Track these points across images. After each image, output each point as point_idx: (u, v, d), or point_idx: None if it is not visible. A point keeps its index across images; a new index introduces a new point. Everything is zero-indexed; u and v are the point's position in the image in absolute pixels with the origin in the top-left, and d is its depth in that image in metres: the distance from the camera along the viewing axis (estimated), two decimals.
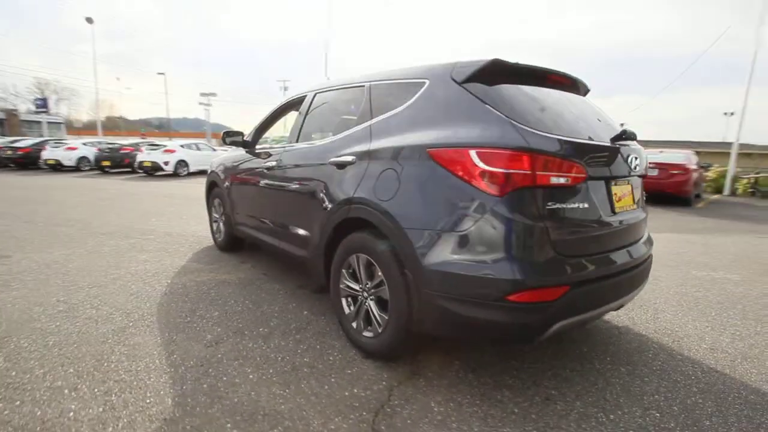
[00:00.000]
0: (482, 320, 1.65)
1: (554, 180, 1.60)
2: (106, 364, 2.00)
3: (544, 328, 1.61)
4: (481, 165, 1.60)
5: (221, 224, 4.14)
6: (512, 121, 1.63)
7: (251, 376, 1.94)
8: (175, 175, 14.13)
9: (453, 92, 1.84)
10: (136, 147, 15.19)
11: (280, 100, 3.50)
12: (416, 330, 1.84)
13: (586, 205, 1.71)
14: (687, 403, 1.84)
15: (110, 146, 15.81)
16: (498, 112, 1.67)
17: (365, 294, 2.15)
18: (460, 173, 1.65)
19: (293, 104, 3.30)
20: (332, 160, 2.33)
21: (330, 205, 2.30)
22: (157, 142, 15.56)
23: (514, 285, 1.56)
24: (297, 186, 2.67)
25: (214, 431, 1.56)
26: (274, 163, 2.96)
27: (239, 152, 3.75)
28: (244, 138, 3.54)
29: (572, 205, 1.67)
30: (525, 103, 1.74)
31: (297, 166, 2.72)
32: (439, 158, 1.72)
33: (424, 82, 2.00)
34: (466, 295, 1.65)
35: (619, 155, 1.88)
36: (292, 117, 3.52)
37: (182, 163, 14.37)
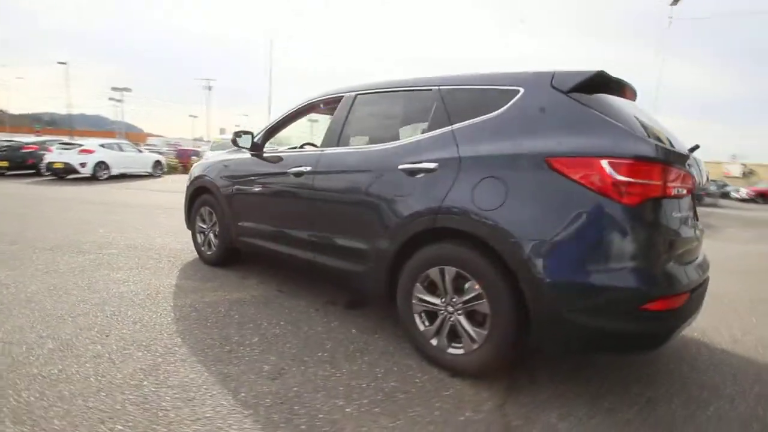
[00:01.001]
0: (611, 331, 1.65)
1: (676, 190, 1.66)
2: (162, 415, 1.61)
3: (669, 336, 1.66)
4: (614, 175, 1.60)
5: (212, 236, 3.66)
6: (635, 133, 1.66)
7: (348, 410, 1.71)
8: (93, 178, 12.31)
9: (559, 101, 1.83)
10: (43, 146, 12.96)
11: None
12: (532, 345, 1.78)
13: (689, 215, 1.80)
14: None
15: (8, 144, 13.23)
16: (618, 123, 1.69)
17: (450, 309, 2.03)
18: (589, 183, 1.63)
19: (316, 106, 3.06)
20: (404, 167, 2.17)
21: (403, 215, 2.14)
22: (71, 141, 13.45)
23: (649, 294, 1.58)
24: (347, 194, 2.45)
25: None
26: (307, 169, 2.68)
27: (239, 155, 3.37)
28: (254, 140, 3.18)
29: (683, 215, 1.75)
30: (631, 115, 1.79)
31: (345, 172, 2.49)
32: (561, 167, 1.69)
33: (518, 90, 1.96)
34: (596, 306, 1.63)
35: (696, 167, 2.03)
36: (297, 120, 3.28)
37: (102, 165, 12.58)
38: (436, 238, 2.06)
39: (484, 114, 2.03)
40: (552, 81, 1.88)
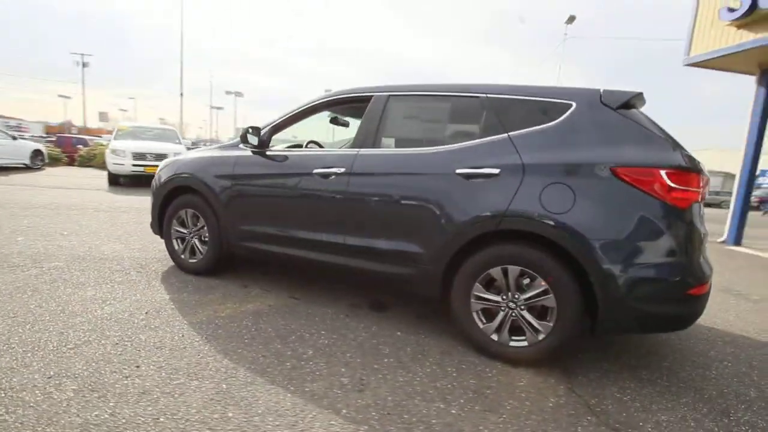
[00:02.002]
0: (662, 313, 1.97)
1: (704, 194, 2.04)
2: None
3: (698, 315, 2.03)
4: (670, 183, 1.90)
5: (196, 241, 3.27)
6: (675, 145, 1.99)
7: (453, 411, 1.75)
8: None
9: (609, 116, 2.09)
10: None
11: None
12: (601, 330, 2.01)
13: (703, 215, 2.21)
14: None
15: None
16: (664, 137, 2.01)
17: (511, 305, 2.18)
18: (650, 189, 1.91)
19: (333, 104, 2.93)
20: (463, 171, 2.24)
21: (462, 218, 2.22)
22: None
23: (695, 281, 1.92)
24: (395, 197, 2.42)
25: None
26: (340, 170, 2.58)
27: (237, 153, 3.07)
28: (261, 137, 2.93)
29: (702, 215, 2.14)
30: (661, 128, 2.12)
31: (391, 174, 2.46)
32: (625, 176, 1.94)
33: (571, 104, 2.17)
34: (654, 294, 1.93)
35: None
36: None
37: None
38: (497, 240, 2.19)
39: (539, 124, 2.21)
40: (601, 98, 2.14)
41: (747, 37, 5.34)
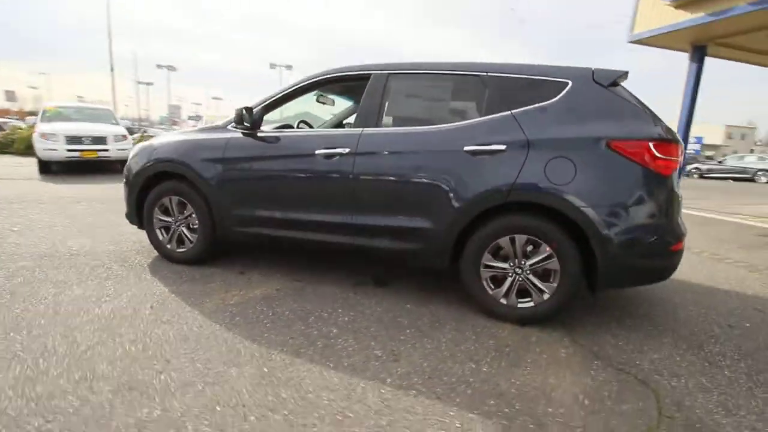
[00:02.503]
0: (652, 268, 2.25)
1: (681, 162, 2.32)
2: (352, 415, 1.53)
3: (677, 267, 2.34)
4: (657, 154, 2.14)
5: (184, 230, 3.12)
6: (656, 119, 2.23)
7: (485, 369, 1.92)
8: None
9: (603, 93, 2.28)
10: None
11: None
12: (600, 287, 2.26)
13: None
14: None
15: None
16: (647, 112, 2.24)
17: (518, 270, 2.37)
18: (641, 160, 2.14)
19: (326, 82, 2.87)
20: (470, 148, 2.35)
21: (471, 193, 2.34)
22: None
23: (675, 238, 2.22)
24: (403, 176, 2.48)
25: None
26: (344, 150, 2.57)
27: (226, 135, 2.93)
28: (252, 117, 2.81)
29: (679, 180, 2.43)
30: (642, 102, 2.36)
31: (399, 153, 2.50)
32: (620, 149, 2.15)
33: (567, 83, 2.33)
34: (646, 251, 2.20)
35: None
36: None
37: None
38: (504, 211, 2.35)
39: (539, 102, 2.35)
40: (593, 76, 2.32)
41: (684, 17, 5.91)
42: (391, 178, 2.53)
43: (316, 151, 2.64)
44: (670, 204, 2.24)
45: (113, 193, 6.16)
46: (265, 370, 1.82)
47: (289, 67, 35.92)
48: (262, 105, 2.89)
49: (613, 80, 2.30)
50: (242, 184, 2.88)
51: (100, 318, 2.24)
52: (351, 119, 4.13)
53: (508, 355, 2.06)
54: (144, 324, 2.19)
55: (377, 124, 2.61)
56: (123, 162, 9.82)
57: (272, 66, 35.46)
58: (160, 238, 3.20)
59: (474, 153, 2.36)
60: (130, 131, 11.26)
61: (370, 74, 2.69)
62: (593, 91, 2.31)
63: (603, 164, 2.19)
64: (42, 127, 8.56)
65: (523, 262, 2.36)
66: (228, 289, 2.72)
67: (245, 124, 2.78)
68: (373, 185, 2.57)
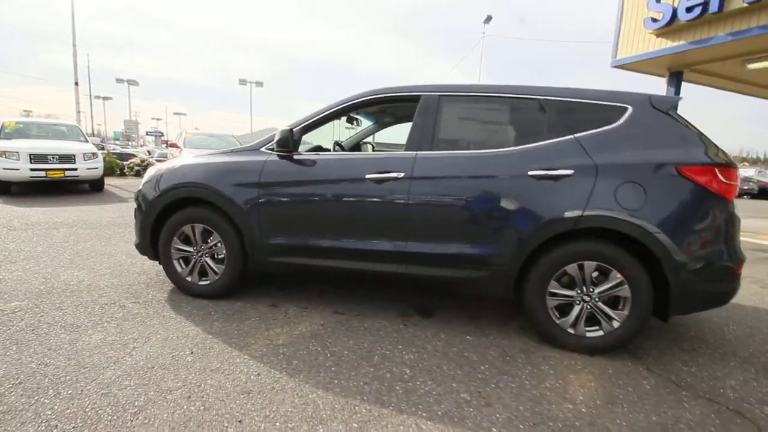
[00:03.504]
0: (719, 291, 2.25)
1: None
2: None
3: (737, 290, 2.36)
4: (722, 178, 2.16)
5: (209, 260, 2.83)
6: (715, 145, 2.27)
7: (584, 410, 1.80)
8: None
9: (662, 119, 2.30)
10: None
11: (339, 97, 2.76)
12: (672, 313, 2.22)
13: None
14: None
15: None
16: (704, 138, 2.27)
17: (586, 298, 2.30)
18: (708, 185, 2.15)
19: (369, 104, 2.74)
20: (536, 172, 2.28)
21: (538, 219, 2.27)
22: None
23: (739, 261, 2.24)
24: (464, 201, 2.37)
25: None
26: (399, 175, 2.44)
27: (261, 158, 2.72)
28: (293, 138, 2.63)
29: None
30: (698, 129, 2.40)
31: (459, 177, 2.39)
32: (689, 174, 2.15)
33: (626, 107, 2.34)
34: (715, 275, 2.19)
35: None
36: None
37: None
38: (572, 237, 2.29)
39: (600, 126, 2.34)
40: (651, 102, 2.34)
41: (665, 45, 6.32)
42: (451, 203, 2.41)
43: (367, 176, 2.49)
44: (733, 228, 2.26)
45: (90, 216, 5.63)
46: (356, 426, 1.61)
47: (259, 84, 35.37)
48: (302, 126, 2.71)
49: (670, 106, 2.33)
50: (282, 210, 2.66)
51: (137, 370, 1.93)
52: (370, 139, 4.04)
53: (597, 392, 1.96)
54: (191, 374, 1.91)
55: (431, 147, 2.50)
56: (93, 182, 9.28)
57: (242, 82, 34.82)
58: (179, 269, 2.89)
59: (539, 177, 2.30)
60: (100, 148, 10.52)
61: (420, 96, 2.60)
62: (653, 116, 2.32)
63: (673, 189, 2.19)
64: (1, 144, 7.79)
65: (591, 290, 2.30)
66: (268, 327, 2.47)
67: (287, 147, 2.58)
68: (431, 211, 2.44)
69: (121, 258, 3.76)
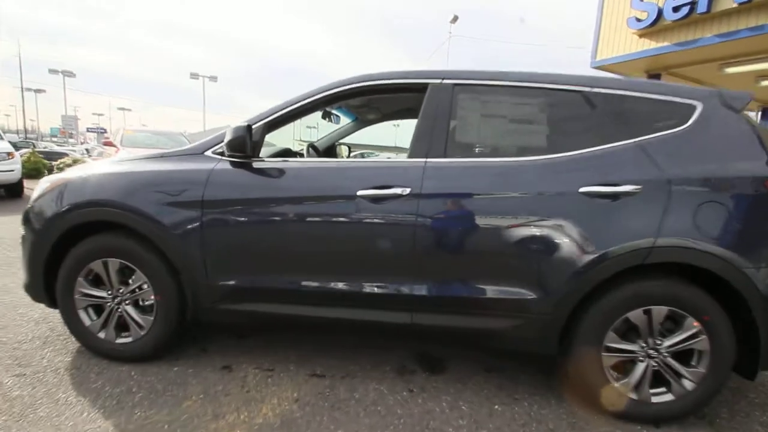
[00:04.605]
0: None
1: None
2: None
3: None
4: None
5: (129, 309, 2.01)
6: None
7: None
8: None
9: (736, 121, 1.78)
10: None
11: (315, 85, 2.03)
12: (761, 368, 1.71)
13: None
14: None
15: None
16: None
17: (651, 353, 1.75)
18: None
19: (356, 93, 2.04)
20: (589, 189, 1.69)
21: (594, 251, 1.68)
22: None
23: None
24: (496, 226, 1.74)
25: None
26: (404, 191, 1.76)
27: (204, 165, 1.95)
28: (251, 139, 1.88)
29: None
30: None
31: (483, 195, 1.76)
32: None
33: (694, 105, 1.80)
34: None
35: None
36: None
37: None
38: (636, 275, 1.73)
39: (666, 128, 1.79)
40: (722, 99, 1.83)
41: (649, 45, 6.12)
42: (475, 229, 1.78)
43: (359, 192, 1.79)
44: None
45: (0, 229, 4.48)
46: None
47: (213, 78, 33.21)
48: (264, 122, 1.97)
49: (744, 104, 1.84)
50: (236, 239, 1.90)
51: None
52: (352, 139, 3.34)
53: None
54: None
55: (445, 153, 1.85)
56: (9, 186, 7.80)
57: (193, 76, 32.49)
58: (87, 322, 2.04)
59: (593, 195, 1.71)
60: (15, 147, 8.96)
61: (427, 84, 1.93)
62: (726, 116, 1.80)
63: (763, 211, 1.69)
64: None
65: (659, 342, 1.75)
66: (218, 412, 1.70)
67: (243, 150, 1.83)
68: (448, 240, 1.79)
69: (20, 295, 2.80)
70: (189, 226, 1.88)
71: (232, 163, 1.94)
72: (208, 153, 1.98)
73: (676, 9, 5.56)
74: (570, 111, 1.88)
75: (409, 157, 1.88)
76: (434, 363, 2.21)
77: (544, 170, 1.77)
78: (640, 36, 6.21)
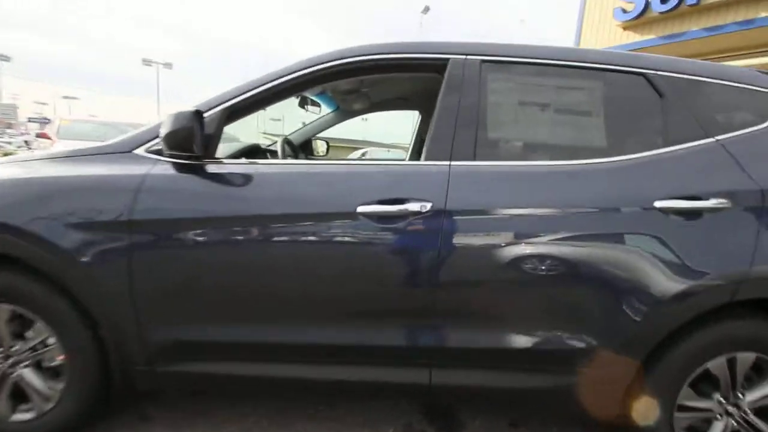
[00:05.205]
0: None
1: None
2: None
3: None
4: None
5: (29, 374, 1.41)
6: None
7: None
8: None
9: None
10: None
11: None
12: None
13: None
14: None
15: None
16: None
17: (732, 409, 1.38)
18: None
19: (344, 73, 1.52)
20: (666, 203, 1.28)
21: (669, 288, 1.27)
22: None
23: None
24: (543, 254, 1.29)
25: None
26: (424, 206, 1.27)
27: (134, 168, 1.37)
28: (203, 133, 1.32)
29: None
30: None
31: (528, 213, 1.30)
32: None
33: None
34: None
35: None
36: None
37: None
38: (722, 314, 1.34)
39: (749, 124, 1.41)
40: None
41: (634, 38, 5.95)
42: (517, 259, 1.32)
43: (359, 208, 1.29)
44: None
45: None
46: None
47: (168, 65, 31.03)
48: (221, 107, 1.41)
49: None
50: (182, 274, 1.33)
51: None
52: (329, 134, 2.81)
53: None
54: None
55: (475, 155, 1.38)
56: None
57: (146, 62, 30.18)
58: None
59: (670, 211, 1.30)
60: None
61: (447, 61, 1.45)
62: None
63: None
64: None
65: (740, 396, 1.38)
66: None
67: (188, 147, 1.27)
68: (482, 274, 1.32)
69: None
70: (110, 258, 1.30)
71: (176, 165, 1.37)
72: (140, 151, 1.40)
73: (664, 0, 5.40)
74: (626, 99, 1.45)
75: (425, 160, 1.39)
76: (448, 418, 1.76)
77: (610, 178, 1.34)
78: (624, 29, 6.04)
